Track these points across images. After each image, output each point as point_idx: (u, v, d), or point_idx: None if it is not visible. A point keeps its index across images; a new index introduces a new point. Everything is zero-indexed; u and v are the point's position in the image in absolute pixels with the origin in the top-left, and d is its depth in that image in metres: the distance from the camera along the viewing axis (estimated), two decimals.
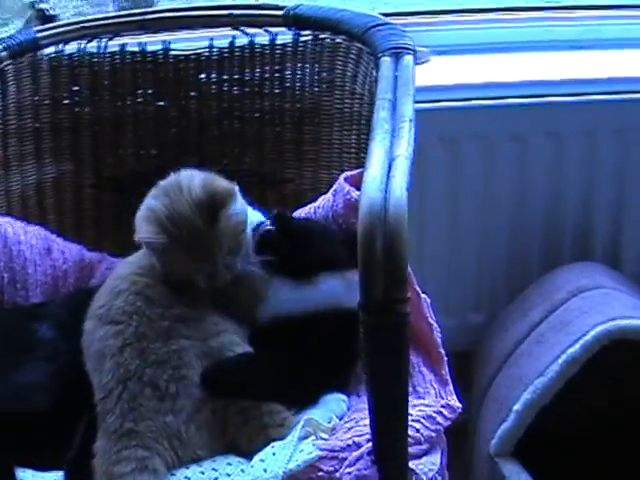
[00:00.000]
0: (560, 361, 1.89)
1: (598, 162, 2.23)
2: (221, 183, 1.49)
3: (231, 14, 1.93)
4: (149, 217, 1.48)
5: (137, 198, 1.91)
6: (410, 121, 1.45)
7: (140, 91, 1.96)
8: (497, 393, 2.03)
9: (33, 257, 1.74)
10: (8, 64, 1.85)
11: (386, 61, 1.64)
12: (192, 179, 1.49)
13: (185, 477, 1.33)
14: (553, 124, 2.20)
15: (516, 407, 1.92)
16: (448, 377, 1.54)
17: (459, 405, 1.48)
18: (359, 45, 1.79)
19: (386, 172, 1.29)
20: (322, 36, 1.87)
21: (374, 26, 1.76)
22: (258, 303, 1.50)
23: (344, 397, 1.47)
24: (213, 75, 1.95)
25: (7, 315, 1.66)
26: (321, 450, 1.32)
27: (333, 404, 1.45)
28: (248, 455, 1.36)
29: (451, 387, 1.52)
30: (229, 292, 1.49)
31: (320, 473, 1.31)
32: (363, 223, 1.20)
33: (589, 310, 1.97)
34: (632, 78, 2.20)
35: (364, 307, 1.20)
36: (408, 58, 1.63)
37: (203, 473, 1.33)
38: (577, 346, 1.89)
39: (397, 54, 1.65)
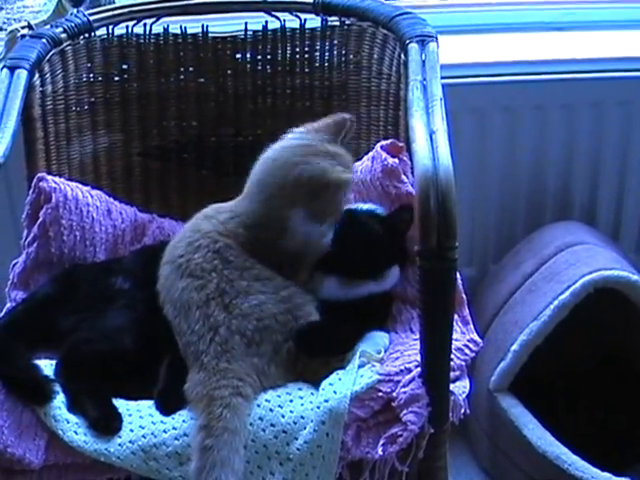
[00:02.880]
0: (552, 307, 2.15)
1: (577, 133, 2.46)
2: None
3: (265, 0, 2.11)
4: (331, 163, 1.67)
5: (180, 165, 2.15)
6: (440, 99, 1.70)
7: (182, 69, 2.13)
8: (494, 337, 2.26)
9: (99, 217, 1.93)
10: (67, 45, 2.01)
11: (414, 47, 1.86)
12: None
13: (265, 400, 1.57)
14: (538, 99, 2.43)
15: (513, 347, 2.17)
16: (469, 317, 1.77)
17: (480, 340, 1.74)
18: (384, 31, 1.99)
19: (430, 144, 1.54)
20: (349, 22, 2.07)
21: (398, 15, 1.97)
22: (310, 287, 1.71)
23: (385, 333, 1.71)
24: (248, 55, 2.12)
25: (88, 270, 1.86)
26: (379, 375, 1.57)
27: (378, 339, 1.68)
28: (313, 385, 1.61)
29: (472, 326, 1.76)
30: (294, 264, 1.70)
31: (380, 394, 1.55)
32: (420, 186, 1.46)
33: (576, 262, 2.21)
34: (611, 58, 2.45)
35: (422, 254, 1.46)
36: (433, 44, 1.86)
37: (279, 396, 1.58)
38: (567, 293, 2.14)
39: (422, 41, 1.87)
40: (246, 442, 1.51)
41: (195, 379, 1.58)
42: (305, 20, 2.11)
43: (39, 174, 1.90)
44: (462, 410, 1.62)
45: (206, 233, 1.70)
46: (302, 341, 1.61)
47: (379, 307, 1.76)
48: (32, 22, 2.35)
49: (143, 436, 1.54)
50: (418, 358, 1.57)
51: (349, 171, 1.71)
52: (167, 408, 1.59)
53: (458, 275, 1.71)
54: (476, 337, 1.73)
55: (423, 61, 1.82)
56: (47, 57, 1.98)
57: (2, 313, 1.80)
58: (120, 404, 1.62)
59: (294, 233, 1.66)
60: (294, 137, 1.75)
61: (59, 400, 1.58)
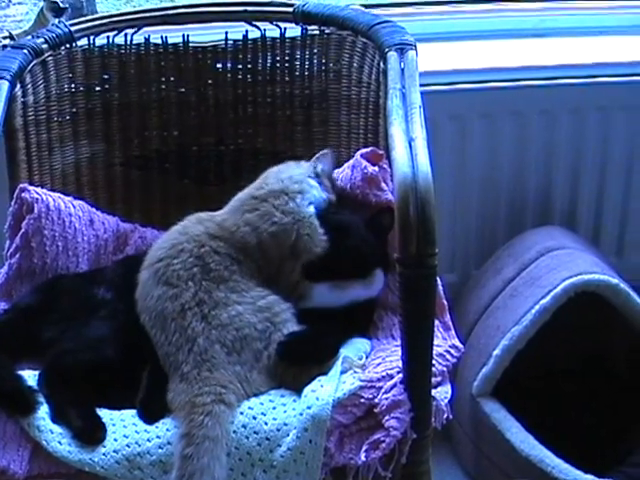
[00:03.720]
0: (534, 311, 2.17)
1: (556, 139, 2.48)
2: None
3: (245, 10, 2.11)
4: None
5: (161, 174, 2.16)
6: (419, 107, 1.71)
7: (163, 79, 2.13)
8: (477, 341, 2.28)
9: (81, 228, 1.93)
10: (49, 55, 2.01)
11: (393, 55, 1.87)
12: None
13: (249, 407, 1.58)
14: (517, 105, 2.45)
15: (495, 352, 2.19)
16: (450, 323, 1.79)
17: (461, 346, 1.75)
18: (364, 40, 2.00)
19: (409, 151, 1.55)
20: (328, 31, 2.08)
21: (378, 23, 1.99)
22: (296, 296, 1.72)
23: (367, 340, 1.72)
24: (228, 64, 2.13)
25: (71, 281, 1.86)
26: (361, 381, 1.58)
27: (359, 344, 1.69)
28: (294, 390, 1.62)
29: (453, 332, 1.78)
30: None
31: (362, 400, 1.56)
32: (399, 194, 1.47)
33: (557, 267, 2.23)
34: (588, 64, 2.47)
35: (401, 261, 1.47)
36: (412, 53, 1.88)
37: (262, 404, 1.59)
38: (548, 297, 2.16)
39: (402, 49, 1.89)
40: (230, 450, 1.52)
41: (178, 389, 1.59)
42: (285, 29, 2.12)
43: (21, 185, 1.91)
44: (445, 415, 1.63)
45: (193, 236, 1.71)
46: (285, 351, 1.62)
47: (362, 315, 1.78)
48: (13, 32, 2.36)
49: (127, 445, 1.55)
50: (400, 364, 1.58)
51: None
52: (150, 417, 1.59)
53: (439, 281, 1.73)
54: (457, 343, 1.74)
55: (402, 69, 1.83)
56: (28, 68, 1.98)
57: None
58: (104, 414, 1.62)
59: None
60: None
61: (43, 411, 1.59)
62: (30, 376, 1.65)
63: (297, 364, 1.63)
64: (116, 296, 1.79)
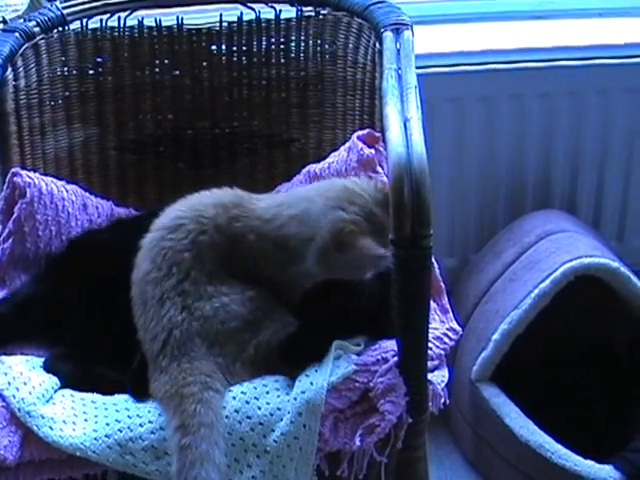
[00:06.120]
0: (533, 295, 2.15)
1: (556, 121, 2.46)
2: None
3: None
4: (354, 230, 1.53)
5: (156, 158, 2.14)
6: (415, 87, 1.69)
7: (157, 62, 2.12)
8: (476, 326, 2.26)
9: (74, 212, 1.91)
10: (41, 38, 2.00)
11: (388, 36, 1.85)
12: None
13: (241, 392, 1.55)
14: (517, 88, 2.43)
15: (494, 337, 2.17)
16: (448, 306, 1.78)
17: (459, 329, 1.73)
18: (359, 20, 1.99)
19: (404, 131, 1.53)
20: (324, 12, 2.06)
21: (373, 4, 1.97)
22: None
23: None
24: (223, 47, 2.11)
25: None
26: (356, 365, 1.55)
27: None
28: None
29: (451, 314, 1.76)
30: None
31: (357, 384, 1.54)
32: (393, 174, 1.45)
33: (557, 250, 2.22)
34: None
35: (396, 242, 1.45)
36: (407, 33, 1.86)
37: (256, 388, 1.56)
38: (547, 281, 2.14)
39: (397, 29, 1.87)
40: (223, 435, 1.50)
41: (160, 379, 1.56)
42: (280, 11, 2.10)
43: (13, 169, 1.89)
44: (442, 400, 1.62)
45: (200, 217, 1.63)
46: (283, 355, 1.58)
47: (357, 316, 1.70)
48: (7, 17, 2.34)
49: (119, 430, 1.53)
50: (395, 347, 1.56)
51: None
52: (139, 394, 1.58)
53: (436, 264, 1.72)
54: (455, 325, 1.73)
55: (398, 49, 1.82)
56: (20, 51, 1.96)
57: None
58: (96, 398, 1.61)
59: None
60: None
61: (34, 396, 1.57)
62: (22, 361, 1.64)
63: (297, 366, 1.58)
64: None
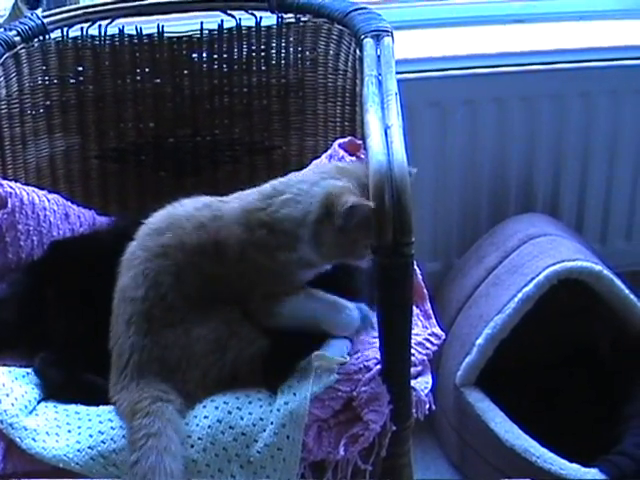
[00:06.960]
0: (516, 299, 2.16)
1: (538, 125, 2.47)
2: None
3: None
4: (345, 189, 1.51)
5: (137, 167, 2.14)
6: (395, 94, 1.69)
7: (138, 70, 2.11)
8: (459, 331, 2.27)
9: (56, 222, 1.90)
10: (21, 48, 1.99)
11: (369, 42, 1.85)
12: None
13: (224, 402, 1.54)
14: (498, 92, 2.44)
15: (478, 341, 2.18)
16: (431, 311, 1.78)
17: (442, 334, 1.73)
18: (340, 27, 1.99)
19: (385, 139, 1.53)
20: (304, 19, 2.06)
21: (353, 10, 1.97)
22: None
23: (347, 341, 1.63)
24: (204, 54, 2.11)
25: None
26: (338, 374, 1.54)
27: (340, 344, 1.61)
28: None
29: (434, 320, 1.76)
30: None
31: (340, 393, 1.53)
32: (374, 182, 1.45)
33: (539, 254, 2.22)
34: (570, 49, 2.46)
35: (377, 250, 1.45)
36: (388, 39, 1.86)
37: (238, 398, 1.55)
38: (531, 285, 2.15)
39: (377, 36, 1.87)
40: (205, 445, 1.49)
41: (122, 396, 1.55)
42: (261, 18, 2.10)
43: None
44: (426, 406, 1.62)
45: (182, 243, 1.59)
46: (269, 374, 1.57)
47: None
48: None
49: (102, 442, 1.52)
50: (378, 355, 1.55)
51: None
52: None
53: (418, 270, 1.72)
54: (438, 331, 1.73)
55: (378, 56, 1.82)
56: (1, 61, 1.95)
57: None
58: (79, 409, 1.59)
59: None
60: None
61: (16, 407, 1.56)
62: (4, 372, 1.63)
63: (277, 386, 1.56)
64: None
